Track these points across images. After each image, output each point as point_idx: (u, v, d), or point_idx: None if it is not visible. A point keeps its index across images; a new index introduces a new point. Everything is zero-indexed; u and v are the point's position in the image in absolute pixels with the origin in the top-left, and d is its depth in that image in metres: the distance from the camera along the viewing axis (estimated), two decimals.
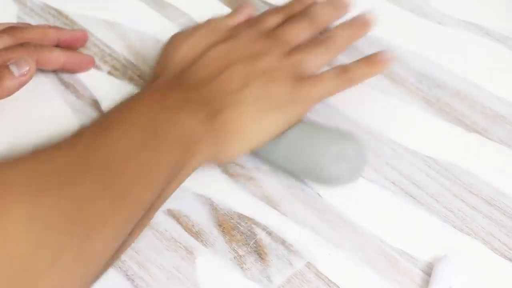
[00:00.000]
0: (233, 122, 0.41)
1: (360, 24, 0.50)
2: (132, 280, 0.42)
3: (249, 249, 0.43)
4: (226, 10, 0.58)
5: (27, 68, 0.44)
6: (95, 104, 0.50)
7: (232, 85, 0.42)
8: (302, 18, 0.48)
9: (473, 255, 0.43)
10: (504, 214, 0.45)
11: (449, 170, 0.47)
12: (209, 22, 0.48)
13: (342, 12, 0.51)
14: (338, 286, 0.42)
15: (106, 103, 0.50)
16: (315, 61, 0.46)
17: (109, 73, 0.53)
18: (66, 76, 0.52)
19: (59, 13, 0.57)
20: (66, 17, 0.56)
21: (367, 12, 0.51)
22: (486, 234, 0.44)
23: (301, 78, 0.45)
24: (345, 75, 0.47)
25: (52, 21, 0.56)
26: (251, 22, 0.48)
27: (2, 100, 0.46)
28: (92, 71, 0.53)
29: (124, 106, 0.40)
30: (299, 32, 0.47)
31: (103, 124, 0.38)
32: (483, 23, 0.57)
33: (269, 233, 0.44)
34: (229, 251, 0.43)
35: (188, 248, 0.44)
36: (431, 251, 0.43)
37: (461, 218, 0.45)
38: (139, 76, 0.52)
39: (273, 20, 0.48)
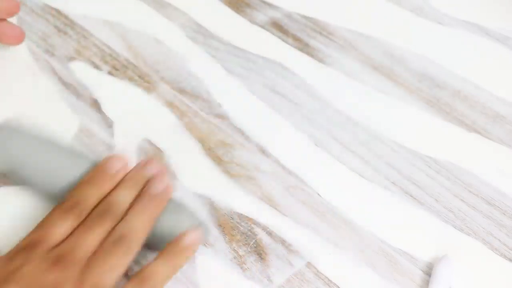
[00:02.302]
0: None
1: (159, 200, 0.41)
2: None
3: (249, 249, 0.43)
4: (227, 10, 0.58)
5: None
6: (95, 104, 0.50)
7: None
8: (96, 219, 0.40)
9: (473, 255, 0.43)
10: (504, 214, 0.45)
11: (449, 170, 0.47)
12: None
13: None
14: (338, 286, 0.42)
15: (106, 103, 0.50)
16: (115, 272, 0.38)
17: (109, 73, 0.53)
18: (66, 76, 0.52)
19: (59, 13, 0.57)
20: (66, 17, 0.56)
21: (163, 183, 0.42)
22: (486, 234, 0.44)
23: None
24: (147, 284, 0.38)
25: (52, 21, 0.56)
26: (33, 241, 0.39)
27: (2, 100, 0.46)
28: (92, 71, 0.53)
29: None
30: (92, 239, 0.39)
31: None
32: (483, 23, 0.57)
33: (269, 233, 0.44)
34: (229, 251, 0.43)
35: None
36: (431, 251, 0.43)
37: (461, 218, 0.45)
38: (139, 76, 0.52)
39: (59, 233, 0.39)
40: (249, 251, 0.43)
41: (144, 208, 0.40)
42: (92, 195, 0.41)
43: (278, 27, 0.57)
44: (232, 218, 0.45)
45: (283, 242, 0.44)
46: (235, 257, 0.43)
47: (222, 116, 0.50)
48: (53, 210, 0.40)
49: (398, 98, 0.52)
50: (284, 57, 0.55)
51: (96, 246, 0.39)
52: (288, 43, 0.56)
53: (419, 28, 0.57)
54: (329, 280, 0.42)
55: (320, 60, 0.55)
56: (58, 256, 0.38)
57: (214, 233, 0.44)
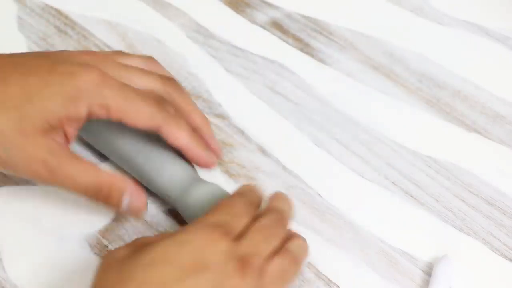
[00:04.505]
0: None
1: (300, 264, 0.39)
2: None
3: None
4: (227, 10, 0.58)
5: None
6: None
7: None
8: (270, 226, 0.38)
9: (473, 255, 0.43)
10: (504, 214, 0.45)
11: (449, 170, 0.47)
12: None
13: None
14: (338, 286, 0.42)
15: None
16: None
17: None
18: None
19: (59, 13, 0.57)
20: (66, 17, 0.56)
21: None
22: (486, 234, 0.44)
23: None
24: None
25: (52, 21, 0.56)
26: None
27: None
28: None
29: None
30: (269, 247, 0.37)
31: None
32: (483, 23, 0.57)
33: None
34: None
35: None
36: (431, 251, 0.43)
37: (461, 218, 0.45)
38: None
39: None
40: None
41: (287, 271, 0.37)
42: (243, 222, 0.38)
43: (278, 27, 0.57)
44: None
45: None
46: None
47: (222, 116, 0.50)
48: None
49: (398, 98, 0.52)
50: (284, 57, 0.55)
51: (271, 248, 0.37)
52: (288, 43, 0.56)
53: (419, 28, 0.57)
54: (329, 280, 0.42)
55: (320, 60, 0.55)
56: (246, 263, 0.35)
57: None
